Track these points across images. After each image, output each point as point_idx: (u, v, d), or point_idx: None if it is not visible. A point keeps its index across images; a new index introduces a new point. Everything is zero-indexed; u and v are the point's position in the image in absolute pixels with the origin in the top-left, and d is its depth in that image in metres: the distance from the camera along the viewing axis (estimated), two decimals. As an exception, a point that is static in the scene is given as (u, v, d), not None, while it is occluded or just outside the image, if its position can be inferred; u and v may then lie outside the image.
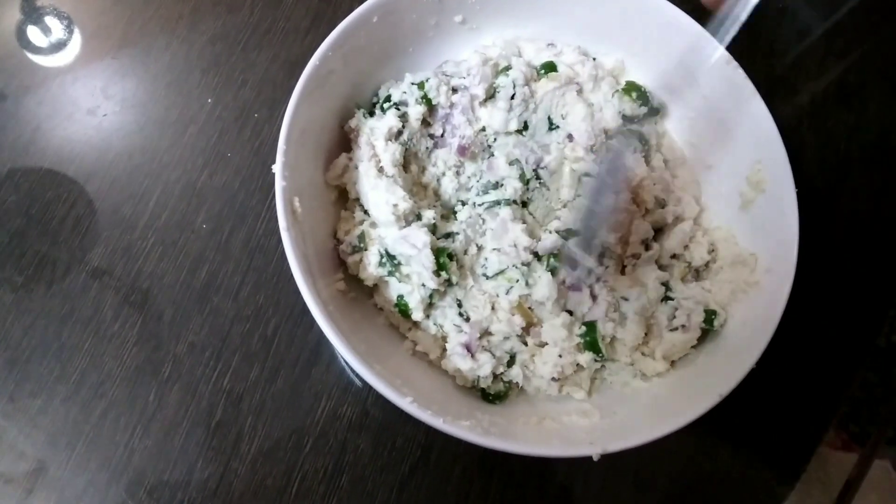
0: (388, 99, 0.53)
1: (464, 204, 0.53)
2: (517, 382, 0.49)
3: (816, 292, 0.48)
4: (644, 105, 0.55)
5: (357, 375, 0.53)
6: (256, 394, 0.53)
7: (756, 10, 0.47)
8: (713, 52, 0.51)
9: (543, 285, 0.49)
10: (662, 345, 0.49)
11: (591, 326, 0.49)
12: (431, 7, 0.53)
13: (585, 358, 0.49)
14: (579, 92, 0.55)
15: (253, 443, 0.51)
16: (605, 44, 0.57)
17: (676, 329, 0.49)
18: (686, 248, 0.53)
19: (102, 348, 0.53)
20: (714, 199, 0.54)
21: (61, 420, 0.51)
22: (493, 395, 0.49)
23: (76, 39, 0.63)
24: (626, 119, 0.55)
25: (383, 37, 0.52)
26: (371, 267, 0.49)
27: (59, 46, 0.63)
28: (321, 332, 0.54)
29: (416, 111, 0.52)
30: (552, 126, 0.55)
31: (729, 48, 0.50)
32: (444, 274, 0.48)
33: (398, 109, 0.52)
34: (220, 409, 0.52)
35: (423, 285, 0.48)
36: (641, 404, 0.48)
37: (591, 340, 0.49)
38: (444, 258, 0.48)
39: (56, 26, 0.63)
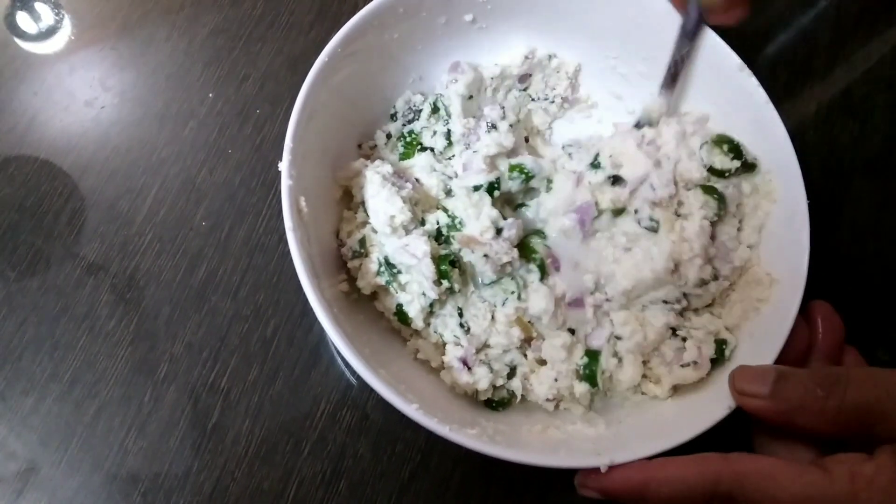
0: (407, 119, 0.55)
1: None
2: (520, 394, 0.48)
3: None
4: (736, 159, 0.49)
5: (357, 379, 0.52)
6: (254, 396, 0.52)
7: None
8: (725, 58, 0.50)
9: (540, 298, 0.48)
10: (670, 378, 0.47)
11: (593, 358, 0.48)
12: (441, 5, 0.52)
13: (581, 388, 0.47)
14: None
15: (250, 446, 0.50)
16: (600, 40, 0.55)
17: (687, 365, 0.46)
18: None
19: (97, 347, 0.52)
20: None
21: (54, 420, 0.50)
22: (497, 401, 0.48)
23: (72, 28, 0.61)
24: (715, 173, 0.49)
25: (392, 35, 0.51)
26: (369, 275, 0.48)
27: (53, 35, 0.61)
28: (321, 334, 0.54)
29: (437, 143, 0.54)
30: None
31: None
32: (445, 283, 0.47)
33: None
34: (217, 411, 0.51)
35: (424, 294, 0.47)
36: (647, 414, 0.47)
37: (590, 374, 0.47)
38: (447, 266, 0.47)
39: (50, 14, 0.62)
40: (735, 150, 0.49)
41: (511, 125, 0.52)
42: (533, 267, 0.50)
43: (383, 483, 0.50)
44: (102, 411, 0.50)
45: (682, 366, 0.47)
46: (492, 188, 0.50)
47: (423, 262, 0.46)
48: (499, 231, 0.49)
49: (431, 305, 0.48)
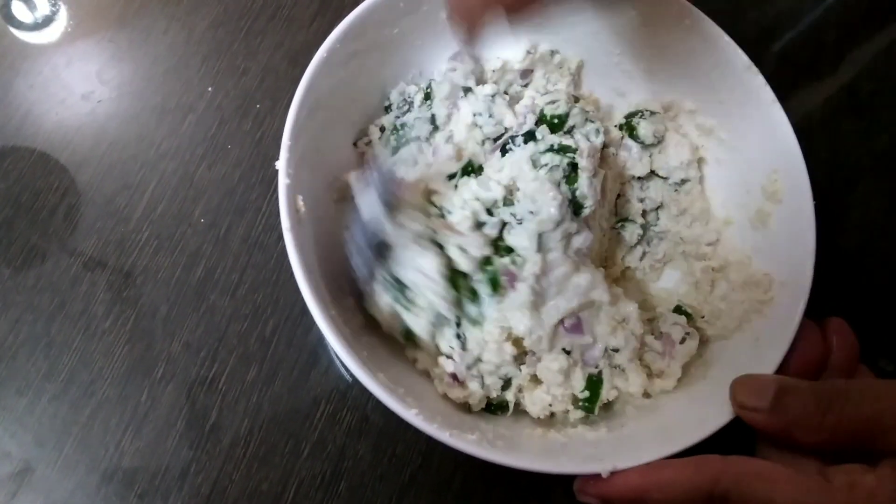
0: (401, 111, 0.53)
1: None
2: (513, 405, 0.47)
3: (824, 304, 0.47)
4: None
5: (356, 380, 0.52)
6: (253, 396, 0.51)
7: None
8: (732, 57, 0.49)
9: (522, 316, 0.45)
10: (676, 363, 0.47)
11: (594, 392, 0.46)
12: (443, -1, 0.51)
13: (576, 415, 0.46)
14: None
15: (248, 447, 0.50)
16: (603, 36, 0.54)
17: (683, 340, 0.48)
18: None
19: (93, 345, 0.51)
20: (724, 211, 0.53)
21: (49, 420, 0.49)
22: (496, 405, 0.48)
23: (69, 19, 0.60)
24: None
25: (393, 30, 0.50)
26: (381, 302, 0.46)
27: (49, 25, 0.60)
28: (320, 334, 0.52)
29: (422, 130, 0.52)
30: None
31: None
32: (454, 292, 0.46)
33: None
34: (215, 411, 0.50)
35: (436, 312, 0.46)
36: (650, 418, 0.46)
37: (588, 406, 0.46)
38: (454, 275, 0.46)
39: (45, 4, 0.61)
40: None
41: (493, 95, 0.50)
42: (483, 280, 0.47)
43: (383, 485, 0.50)
44: (98, 411, 0.50)
45: (681, 342, 0.48)
46: (466, 171, 0.48)
47: (433, 279, 0.45)
48: (481, 225, 0.46)
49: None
